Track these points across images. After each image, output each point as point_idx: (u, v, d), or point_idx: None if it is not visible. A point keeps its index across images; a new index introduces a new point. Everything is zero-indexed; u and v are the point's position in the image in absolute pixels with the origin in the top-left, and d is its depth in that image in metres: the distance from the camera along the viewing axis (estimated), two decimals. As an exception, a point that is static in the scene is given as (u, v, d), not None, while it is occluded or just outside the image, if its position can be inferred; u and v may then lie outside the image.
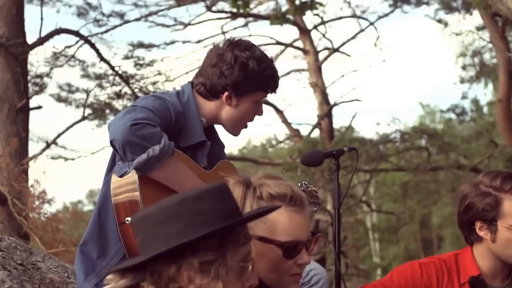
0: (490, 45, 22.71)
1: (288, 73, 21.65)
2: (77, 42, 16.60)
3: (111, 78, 18.57)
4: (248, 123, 3.64)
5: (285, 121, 21.05)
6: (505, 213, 3.31)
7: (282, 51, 21.83)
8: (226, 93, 3.48)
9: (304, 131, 20.76)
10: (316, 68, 20.32)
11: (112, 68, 17.84)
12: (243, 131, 3.67)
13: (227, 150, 3.87)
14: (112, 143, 3.13)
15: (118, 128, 3.07)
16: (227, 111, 3.52)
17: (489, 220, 3.35)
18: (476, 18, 25.09)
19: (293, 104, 39.61)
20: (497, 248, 3.37)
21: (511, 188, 3.31)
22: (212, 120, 3.58)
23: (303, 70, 21.32)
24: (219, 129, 3.69)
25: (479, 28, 21.73)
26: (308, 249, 2.52)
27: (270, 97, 3.70)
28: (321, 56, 21.00)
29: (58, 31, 15.35)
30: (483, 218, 3.36)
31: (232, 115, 3.53)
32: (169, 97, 3.41)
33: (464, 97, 28.66)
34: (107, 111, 19.18)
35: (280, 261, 2.45)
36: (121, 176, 3.22)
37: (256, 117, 3.64)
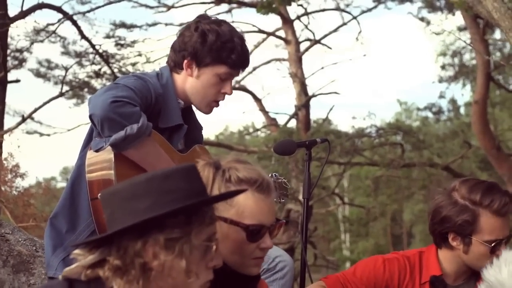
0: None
1: (268, 62, 21.66)
2: (59, 19, 16.51)
3: (91, 56, 18.47)
4: (219, 99, 3.62)
5: (263, 109, 21.05)
6: (481, 229, 3.32)
7: (264, 40, 21.80)
8: (185, 61, 3.53)
9: (281, 121, 20.80)
10: (297, 59, 20.32)
11: (93, 46, 17.75)
12: (219, 114, 3.68)
13: (204, 136, 3.90)
14: (91, 118, 3.16)
15: (99, 104, 3.10)
16: (190, 83, 3.56)
17: (464, 234, 3.38)
18: (458, 18, 25.28)
19: (272, 93, 39.61)
20: (468, 259, 3.40)
21: (489, 203, 3.31)
22: (186, 99, 3.61)
23: (283, 59, 21.31)
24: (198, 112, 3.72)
25: (460, 29, 21.86)
26: (272, 234, 2.56)
27: (242, 78, 3.72)
28: (302, 47, 21.01)
29: (40, 6, 15.27)
30: (458, 232, 3.38)
31: (195, 86, 3.56)
32: (150, 78, 3.45)
33: (441, 96, 28.79)
34: (85, 89, 19.09)
35: (243, 243, 2.49)
36: (97, 151, 3.25)
37: (227, 97, 3.63)
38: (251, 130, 29.25)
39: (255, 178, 2.52)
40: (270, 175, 3.60)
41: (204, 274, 2.20)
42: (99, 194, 3.11)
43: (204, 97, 3.59)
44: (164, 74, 3.56)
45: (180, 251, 2.12)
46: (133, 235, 2.10)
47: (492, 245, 3.32)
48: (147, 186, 2.12)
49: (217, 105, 3.67)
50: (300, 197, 16.11)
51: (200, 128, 3.83)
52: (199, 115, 3.80)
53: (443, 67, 26.83)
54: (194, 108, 3.70)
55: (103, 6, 18.18)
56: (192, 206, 2.13)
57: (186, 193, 2.14)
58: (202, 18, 3.61)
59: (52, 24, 16.93)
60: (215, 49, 3.50)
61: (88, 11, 17.75)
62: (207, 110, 3.65)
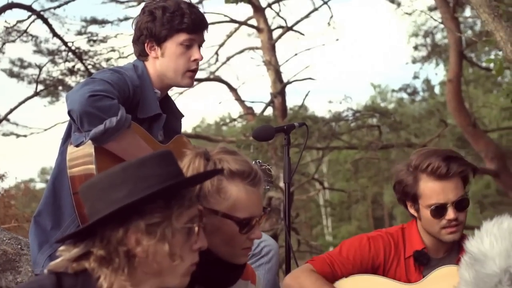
0: (442, 26, 22.94)
1: (241, 51, 21.61)
2: (29, 16, 16.38)
3: (64, 54, 18.34)
4: (192, 68, 3.63)
5: (238, 99, 21.00)
6: (422, 193, 3.42)
7: (236, 29, 21.73)
8: (146, 45, 3.57)
9: (257, 109, 20.78)
10: (270, 47, 20.29)
11: (65, 44, 17.64)
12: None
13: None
14: (69, 113, 3.17)
15: (77, 99, 3.11)
16: (159, 63, 3.59)
17: (412, 199, 3.47)
18: (428, -2, 25.33)
19: (246, 82, 39.53)
20: (423, 225, 3.49)
21: (426, 167, 3.39)
22: (162, 87, 3.63)
23: (257, 48, 21.25)
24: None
25: (431, 9, 21.90)
26: (259, 224, 2.59)
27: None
28: (275, 34, 20.98)
29: (10, 6, 15.16)
30: (408, 197, 3.49)
31: (164, 64, 3.59)
32: (126, 71, 3.46)
33: (416, 77, 28.94)
34: (60, 87, 18.98)
35: (235, 235, 2.52)
36: (77, 146, 3.26)
37: (197, 62, 3.64)
38: (227, 120, 29.17)
39: (247, 171, 2.53)
40: (253, 162, 3.63)
41: (189, 256, 2.22)
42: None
43: (176, 70, 3.60)
44: (139, 66, 3.59)
45: (162, 235, 2.15)
46: (114, 224, 2.13)
47: (431, 208, 3.39)
48: (123, 175, 2.15)
49: (193, 74, 3.67)
50: (281, 184, 16.14)
51: (179, 117, 3.84)
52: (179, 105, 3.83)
53: (415, 47, 26.94)
54: (174, 95, 3.72)
55: (73, 0, 18.05)
56: (168, 189, 2.16)
57: (162, 178, 2.17)
58: (148, 2, 3.67)
59: (22, 21, 16.77)
60: (166, 21, 3.53)
61: (58, 6, 17.60)
62: (187, 82, 3.65)
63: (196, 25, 3.59)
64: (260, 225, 2.60)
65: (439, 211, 3.40)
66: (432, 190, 3.40)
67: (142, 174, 2.15)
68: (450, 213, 3.39)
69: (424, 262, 3.52)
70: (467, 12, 22.03)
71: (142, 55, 3.62)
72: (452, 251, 3.56)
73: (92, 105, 3.10)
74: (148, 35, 3.56)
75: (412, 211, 3.54)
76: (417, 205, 3.48)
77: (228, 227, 2.51)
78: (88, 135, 3.16)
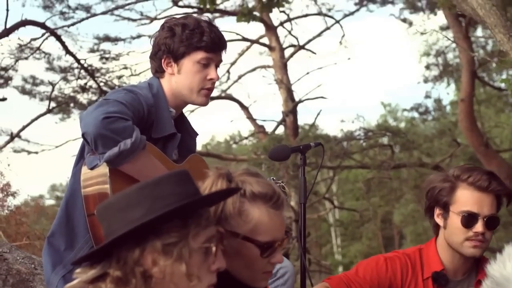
0: (454, 45, 22.94)
1: (253, 70, 21.70)
2: (43, 34, 16.48)
3: (76, 71, 18.45)
4: (207, 86, 3.60)
5: (250, 117, 21.05)
6: (457, 199, 3.42)
7: (248, 48, 21.82)
8: (163, 61, 3.55)
9: (269, 128, 20.80)
10: (282, 65, 20.35)
11: (78, 61, 17.74)
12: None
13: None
14: (83, 136, 3.15)
15: (91, 122, 3.08)
16: (175, 80, 3.56)
17: (443, 205, 3.45)
18: (440, 18, 25.40)
19: (258, 100, 39.65)
20: (447, 235, 3.47)
21: (467, 177, 3.41)
22: (177, 105, 3.61)
23: (268, 66, 21.34)
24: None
25: (443, 28, 21.90)
26: (281, 248, 2.54)
27: (223, 58, 3.66)
28: (287, 53, 21.06)
29: (24, 23, 15.23)
30: (439, 203, 3.47)
31: (180, 81, 3.56)
32: (140, 90, 3.44)
33: (427, 96, 28.84)
34: (72, 104, 19.05)
35: (256, 259, 2.47)
36: (91, 169, 3.23)
37: (212, 81, 3.60)
38: (238, 138, 29.21)
39: (270, 193, 2.49)
40: (267, 179, 3.60)
41: (206, 277, 2.19)
42: (95, 209, 3.11)
43: (191, 88, 3.57)
44: (154, 84, 3.56)
45: (179, 255, 2.12)
46: (131, 244, 2.11)
47: (463, 215, 3.38)
48: (140, 195, 2.12)
49: (209, 93, 3.64)
50: (292, 203, 16.13)
51: (194, 135, 3.82)
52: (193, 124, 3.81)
53: (427, 67, 26.91)
54: (187, 114, 3.69)
55: (86, 18, 18.17)
56: (185, 207, 2.13)
57: (179, 197, 2.14)
58: (168, 18, 3.67)
59: (35, 39, 16.86)
60: (185, 38, 3.51)
61: (72, 24, 17.72)
62: (201, 100, 3.62)
63: (215, 44, 3.57)
64: (283, 247, 2.56)
65: (470, 219, 3.38)
66: (468, 197, 3.40)
67: (159, 193, 2.13)
68: (479, 226, 3.37)
69: (443, 284, 3.49)
70: (479, 31, 22.03)
71: (158, 71, 3.60)
72: (471, 273, 3.53)
73: (106, 127, 3.07)
74: (165, 51, 3.54)
75: (438, 219, 3.51)
76: (447, 212, 3.46)
77: (249, 250, 2.46)
78: (102, 158, 3.13)
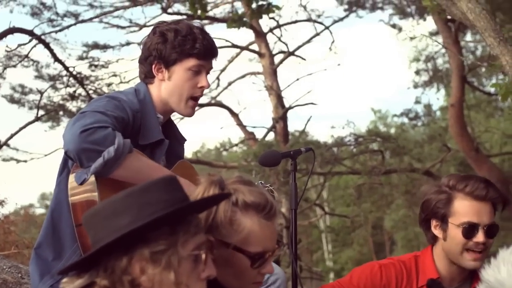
0: (443, 50, 23.02)
1: (243, 76, 21.67)
2: (30, 40, 16.41)
3: (65, 79, 18.39)
4: (197, 94, 3.57)
5: (240, 124, 21.03)
6: (455, 211, 3.38)
7: (237, 54, 21.82)
8: (154, 66, 3.50)
9: (259, 135, 20.79)
10: (272, 71, 20.34)
11: (67, 69, 17.68)
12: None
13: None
14: (66, 154, 3.11)
15: (69, 138, 3.03)
16: (164, 87, 3.53)
17: (441, 217, 3.41)
18: (429, 23, 25.48)
19: (248, 107, 39.65)
20: (446, 247, 3.44)
21: (464, 187, 3.37)
22: (165, 111, 3.57)
23: (258, 73, 21.32)
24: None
25: (432, 34, 21.96)
26: (272, 258, 2.52)
27: (213, 65, 3.62)
28: (277, 59, 21.04)
29: (12, 31, 15.19)
30: (436, 215, 3.42)
31: (170, 88, 3.52)
32: (125, 96, 3.39)
33: (417, 101, 28.89)
34: (61, 112, 18.98)
35: (246, 269, 2.45)
36: (81, 184, 3.17)
37: (202, 89, 3.58)
38: (227, 146, 29.20)
39: (263, 203, 2.46)
40: (256, 183, 3.57)
41: (196, 285, 2.16)
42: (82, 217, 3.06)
43: (180, 95, 3.54)
44: (141, 89, 3.53)
45: (168, 263, 2.08)
46: (118, 253, 2.07)
47: (463, 226, 3.35)
48: (127, 202, 2.09)
49: (195, 104, 3.61)
50: (283, 209, 16.09)
51: (182, 141, 3.78)
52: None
53: (417, 72, 26.99)
54: (175, 120, 3.65)
55: (74, 24, 18.09)
56: (173, 214, 2.09)
57: (167, 204, 2.10)
58: (159, 23, 3.62)
59: (23, 45, 16.78)
60: (178, 44, 3.48)
61: (60, 30, 17.64)
62: (188, 111, 3.59)
63: (207, 51, 3.54)
64: (272, 259, 2.52)
65: (470, 230, 3.36)
66: (467, 208, 3.37)
67: (146, 200, 2.10)
68: (480, 236, 3.36)
69: (438, 291, 3.45)
70: (468, 37, 22.11)
71: (147, 76, 3.56)
72: (466, 281, 3.51)
73: (86, 140, 3.01)
74: (157, 57, 3.50)
75: (436, 231, 3.48)
76: (446, 224, 3.43)
77: (240, 260, 2.44)
78: (89, 171, 3.08)
